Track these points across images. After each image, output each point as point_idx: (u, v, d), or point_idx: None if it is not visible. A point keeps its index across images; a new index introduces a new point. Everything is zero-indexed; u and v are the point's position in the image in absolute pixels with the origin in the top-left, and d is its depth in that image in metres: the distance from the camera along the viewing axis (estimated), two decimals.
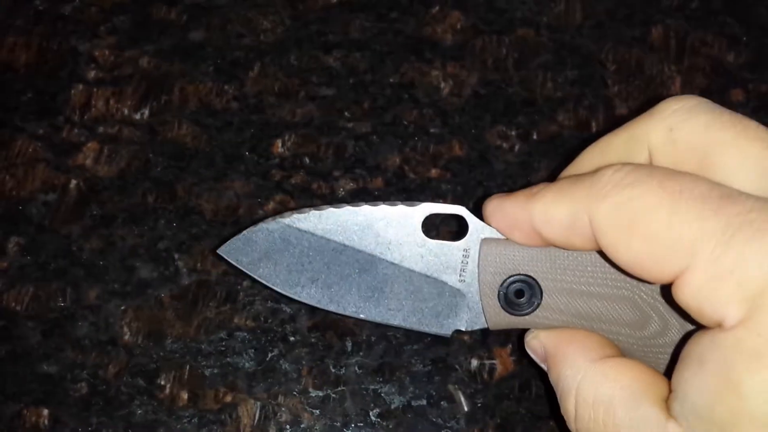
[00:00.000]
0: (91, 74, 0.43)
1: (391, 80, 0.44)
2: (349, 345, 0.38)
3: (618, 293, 0.29)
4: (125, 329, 0.38)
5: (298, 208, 0.39)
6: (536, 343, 0.30)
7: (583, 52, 0.45)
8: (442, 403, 0.38)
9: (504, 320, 0.31)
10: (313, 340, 0.38)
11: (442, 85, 0.44)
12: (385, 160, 0.42)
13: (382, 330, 0.38)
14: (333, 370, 0.38)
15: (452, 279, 0.31)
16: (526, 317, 0.30)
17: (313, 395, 0.38)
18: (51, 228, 0.40)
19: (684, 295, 0.23)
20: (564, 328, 0.30)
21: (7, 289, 0.39)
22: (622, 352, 0.29)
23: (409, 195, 0.41)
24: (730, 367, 0.22)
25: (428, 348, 0.38)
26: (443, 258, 0.31)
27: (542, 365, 0.31)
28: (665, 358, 0.29)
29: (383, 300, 0.32)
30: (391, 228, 0.32)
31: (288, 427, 0.37)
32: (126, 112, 0.43)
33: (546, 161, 0.42)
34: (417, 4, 0.46)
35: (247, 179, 0.41)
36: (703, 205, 0.23)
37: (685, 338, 0.25)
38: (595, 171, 0.26)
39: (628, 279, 0.28)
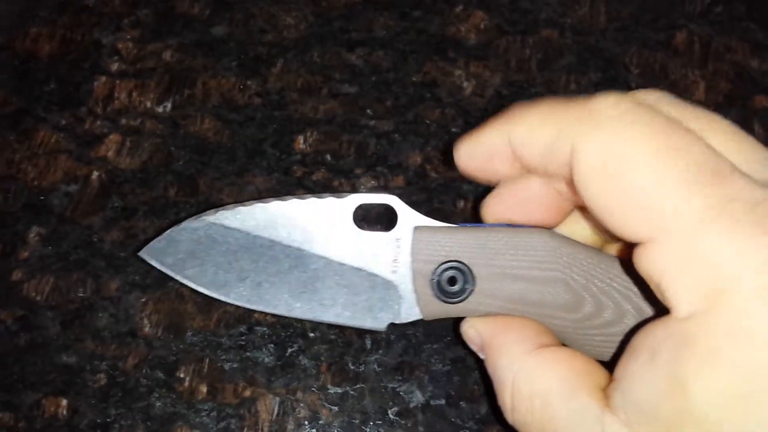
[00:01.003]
0: (114, 66, 0.43)
1: (414, 79, 0.44)
2: (368, 342, 0.38)
3: (551, 276, 0.28)
4: (145, 321, 0.38)
5: None
6: (473, 332, 0.29)
7: (606, 55, 0.45)
8: (461, 402, 0.38)
9: (438, 309, 0.30)
10: (332, 336, 0.38)
11: (465, 84, 0.44)
12: (406, 159, 0.42)
13: (402, 329, 0.38)
14: (352, 367, 0.38)
15: (385, 270, 0.30)
16: (460, 305, 0.29)
17: (332, 392, 0.37)
18: (72, 219, 0.40)
19: (646, 263, 0.22)
20: (500, 316, 0.29)
21: (28, 279, 0.39)
22: (558, 336, 0.28)
23: (430, 194, 0.41)
24: (680, 364, 0.21)
25: (448, 347, 0.38)
26: (375, 249, 0.30)
27: (480, 354, 0.30)
28: (601, 340, 0.28)
29: (315, 296, 0.31)
30: (321, 221, 0.30)
31: (306, 423, 0.37)
32: (148, 104, 0.42)
33: None
34: (441, 2, 0.46)
35: (269, 175, 0.41)
36: (695, 176, 0.21)
37: (636, 328, 0.24)
38: (592, 96, 0.23)
39: (560, 261, 0.28)
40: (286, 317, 0.33)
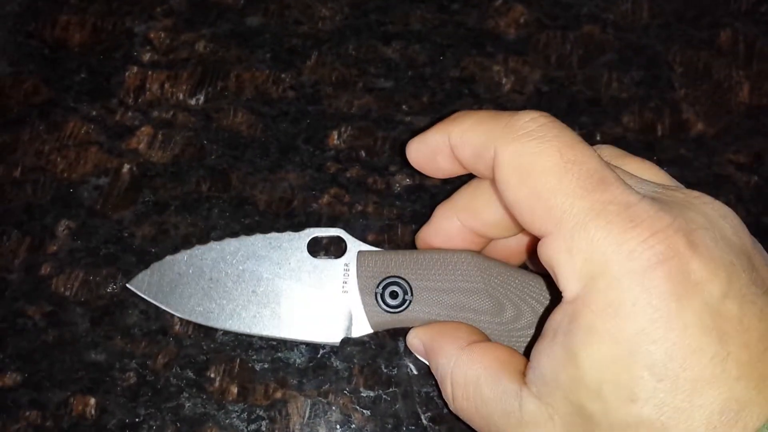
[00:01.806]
0: (146, 56, 0.42)
1: (451, 74, 0.43)
2: (401, 345, 0.37)
3: (476, 286, 0.34)
4: (175, 319, 0.37)
5: (352, 202, 0.39)
6: (416, 341, 0.34)
7: (649, 52, 0.44)
8: None
9: (384, 320, 0.35)
10: (365, 338, 0.37)
11: (504, 80, 0.43)
12: None
13: None
14: (385, 371, 0.37)
15: (336, 291, 0.35)
16: (403, 314, 0.34)
17: (364, 395, 0.37)
18: (102, 212, 0.39)
19: (543, 254, 0.27)
20: (437, 323, 0.34)
21: (57, 274, 0.38)
22: (488, 338, 0.33)
23: None
24: (570, 339, 0.25)
25: None
26: (327, 273, 0.35)
27: (424, 360, 0.34)
28: (524, 340, 0.33)
29: (276, 316, 0.35)
30: (282, 251, 0.36)
31: (338, 426, 0.36)
32: (181, 96, 0.42)
33: None
34: None
35: (302, 171, 0.40)
36: (584, 183, 0.25)
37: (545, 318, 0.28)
38: (516, 112, 0.28)
39: (482, 275, 0.33)
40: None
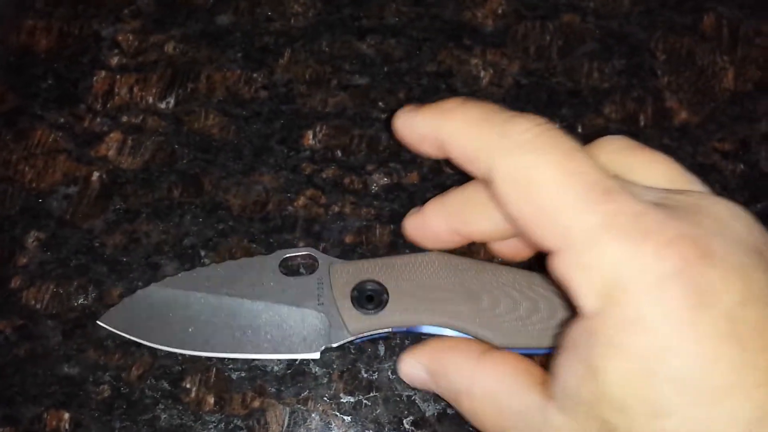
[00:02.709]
0: (114, 60, 0.41)
1: (428, 68, 0.42)
2: (381, 349, 0.37)
3: (450, 281, 0.34)
4: None
5: (329, 203, 0.38)
6: (414, 367, 0.32)
7: (631, 40, 0.43)
8: None
9: (363, 323, 0.34)
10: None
11: (482, 74, 0.42)
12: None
13: (417, 333, 0.36)
14: (365, 375, 0.36)
15: (312, 305, 0.35)
16: (381, 314, 0.34)
17: (345, 401, 0.36)
18: (72, 222, 0.38)
19: (555, 270, 0.26)
20: (432, 341, 0.32)
21: (27, 287, 0.37)
22: (466, 327, 0.33)
23: (445, 190, 0.39)
24: (591, 354, 0.25)
25: None
26: (302, 289, 0.35)
27: (424, 385, 0.32)
28: (506, 325, 0.33)
29: (254, 338, 0.35)
30: (254, 274, 0.36)
31: None
32: (150, 100, 0.41)
33: None
34: None
35: (277, 173, 0.39)
36: (588, 195, 0.25)
37: (565, 322, 0.28)
38: (511, 116, 0.27)
39: (453, 270, 0.34)
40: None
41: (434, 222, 0.33)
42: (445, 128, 0.29)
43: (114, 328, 0.35)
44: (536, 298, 0.34)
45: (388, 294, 0.34)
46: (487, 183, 0.27)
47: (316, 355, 0.35)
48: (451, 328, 0.34)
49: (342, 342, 0.35)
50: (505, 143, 0.26)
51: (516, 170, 0.26)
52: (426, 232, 0.34)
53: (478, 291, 0.34)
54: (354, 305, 0.34)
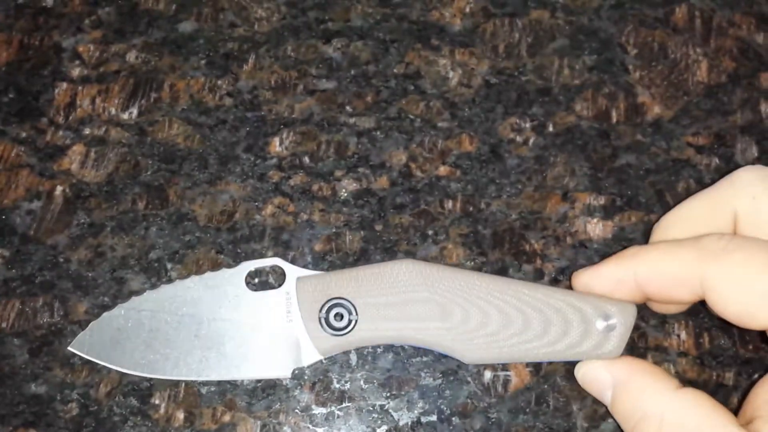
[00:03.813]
0: (76, 72, 0.41)
1: (396, 71, 0.41)
2: (353, 358, 0.36)
3: (419, 296, 0.33)
4: None
5: (297, 211, 0.37)
6: (600, 371, 0.33)
7: (601, 35, 0.42)
8: (453, 418, 0.36)
9: (332, 344, 0.34)
10: None
11: (451, 74, 0.41)
12: (390, 158, 0.39)
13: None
14: (337, 386, 0.36)
15: (280, 322, 0.34)
16: (349, 336, 0.34)
17: (317, 412, 0.35)
18: (36, 238, 0.38)
19: None
20: (628, 359, 0.33)
21: None
22: (435, 345, 0.34)
23: (416, 195, 0.39)
24: None
25: (438, 360, 0.36)
26: (269, 305, 0.34)
27: (600, 393, 0.33)
28: (476, 342, 0.33)
29: (222, 359, 0.34)
30: (219, 290, 0.35)
31: None
32: (113, 111, 0.40)
33: (563, 155, 0.40)
34: None
35: (244, 181, 0.39)
36: None
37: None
38: (698, 237, 0.31)
39: (424, 282, 0.33)
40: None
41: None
42: (641, 267, 0.32)
43: (84, 353, 0.35)
44: (509, 311, 0.33)
45: (356, 312, 0.34)
46: (700, 294, 0.31)
47: (287, 376, 0.35)
48: (421, 345, 0.34)
49: (312, 362, 0.35)
50: (708, 253, 0.30)
51: (729, 268, 0.29)
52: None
53: (449, 306, 0.33)
54: (322, 327, 0.34)
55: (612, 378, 0.32)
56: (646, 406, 0.31)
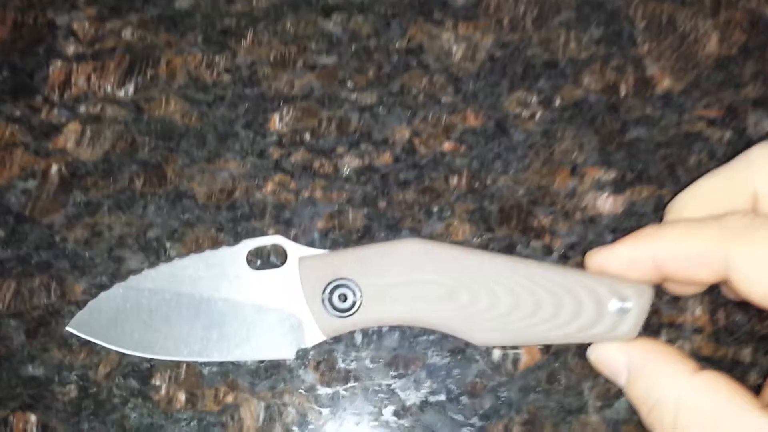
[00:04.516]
0: (71, 49, 0.40)
1: (398, 45, 0.40)
2: (358, 337, 0.36)
3: (426, 277, 0.32)
4: None
5: (298, 189, 0.36)
6: (614, 353, 0.31)
7: (608, 7, 0.41)
8: (462, 397, 0.35)
9: (336, 326, 0.33)
10: None
11: (454, 48, 0.40)
12: (393, 134, 0.38)
13: None
14: (342, 365, 0.35)
15: (282, 302, 0.33)
16: (354, 317, 0.32)
17: (322, 393, 0.35)
18: (32, 218, 0.37)
19: None
20: (646, 341, 0.31)
21: None
22: (443, 326, 0.32)
23: (420, 171, 0.38)
24: None
25: (445, 338, 0.35)
26: (270, 285, 0.33)
27: (613, 375, 0.32)
28: (486, 324, 0.32)
29: (223, 339, 0.33)
30: (220, 268, 0.34)
31: (295, 428, 0.34)
32: (109, 89, 0.39)
33: (571, 129, 0.39)
34: None
35: (243, 159, 0.38)
36: None
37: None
38: (721, 216, 0.29)
39: (430, 262, 0.32)
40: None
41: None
42: (660, 246, 0.30)
43: (83, 333, 0.34)
44: (519, 292, 0.32)
45: (361, 292, 0.32)
46: (722, 275, 0.29)
47: (291, 357, 0.33)
48: (428, 327, 0.33)
49: (316, 343, 0.33)
50: (732, 231, 0.29)
51: (754, 247, 0.28)
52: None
53: (457, 286, 0.32)
54: (326, 307, 0.33)
55: (627, 361, 0.31)
56: (662, 391, 0.30)
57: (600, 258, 0.32)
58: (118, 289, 0.34)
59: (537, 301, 0.32)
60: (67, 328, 0.34)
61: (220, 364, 0.35)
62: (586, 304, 0.32)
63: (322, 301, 0.33)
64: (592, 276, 0.32)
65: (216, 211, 0.37)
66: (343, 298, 0.33)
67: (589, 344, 0.32)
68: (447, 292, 0.32)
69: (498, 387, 0.35)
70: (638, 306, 0.31)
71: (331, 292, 0.33)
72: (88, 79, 0.39)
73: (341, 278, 0.33)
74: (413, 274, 0.32)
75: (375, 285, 0.32)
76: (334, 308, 0.33)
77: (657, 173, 0.38)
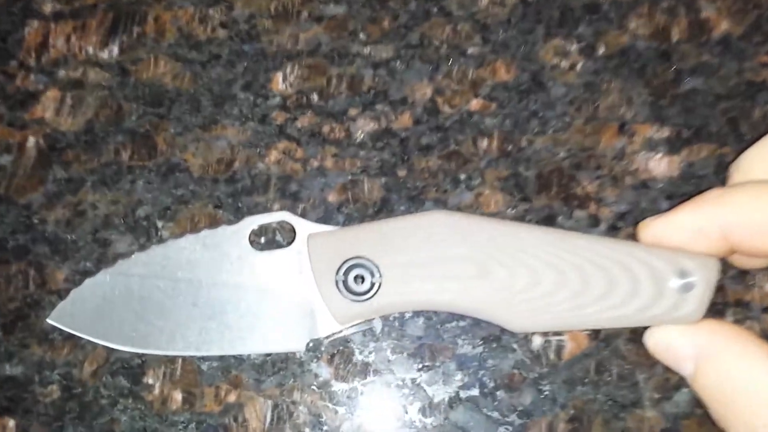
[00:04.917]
0: (48, 7, 0.37)
1: None
2: (378, 325, 0.33)
3: (456, 252, 0.29)
4: None
5: (306, 157, 0.33)
6: (678, 341, 0.28)
7: None
8: (498, 392, 0.32)
9: (352, 312, 0.30)
10: None
11: None
12: (412, 92, 0.35)
13: None
14: (360, 357, 0.32)
15: (291, 287, 0.31)
16: (373, 301, 0.29)
17: (337, 389, 0.32)
18: (7, 197, 0.34)
19: None
20: (714, 324, 0.28)
21: None
22: (474, 307, 0.29)
23: (445, 134, 0.34)
24: None
25: (477, 324, 0.33)
26: (277, 267, 0.31)
27: (677, 363, 0.28)
28: (525, 305, 0.29)
29: (224, 331, 0.31)
30: (220, 250, 0.31)
31: (307, 430, 0.32)
32: (91, 50, 0.36)
33: (618, 81, 0.35)
34: None
35: (243, 125, 0.35)
36: None
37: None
38: None
39: (461, 236, 0.29)
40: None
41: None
42: (730, 213, 0.27)
43: (65, 326, 0.31)
44: (564, 268, 0.28)
45: (380, 273, 0.29)
46: None
47: (301, 349, 0.31)
48: (458, 311, 0.30)
49: (330, 333, 0.30)
50: None
51: None
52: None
53: (491, 263, 0.29)
54: (340, 290, 0.29)
55: (694, 347, 0.28)
56: (737, 381, 0.27)
57: (656, 228, 0.29)
58: (104, 275, 0.31)
59: (584, 278, 0.28)
60: (48, 320, 0.31)
61: (221, 358, 0.32)
62: (642, 281, 0.28)
63: (336, 283, 0.30)
64: (649, 249, 0.29)
65: (213, 185, 0.34)
66: (360, 279, 0.30)
67: (645, 328, 0.29)
68: (479, 270, 0.29)
69: (539, 379, 0.32)
70: (703, 282, 0.28)
71: (346, 273, 0.30)
72: (68, 39, 0.36)
73: (357, 257, 0.29)
74: (440, 250, 0.29)
75: (396, 264, 0.29)
76: (350, 291, 0.30)
77: (717, 129, 0.35)
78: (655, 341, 0.29)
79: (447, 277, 0.29)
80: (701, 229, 0.28)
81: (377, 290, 0.29)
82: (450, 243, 0.29)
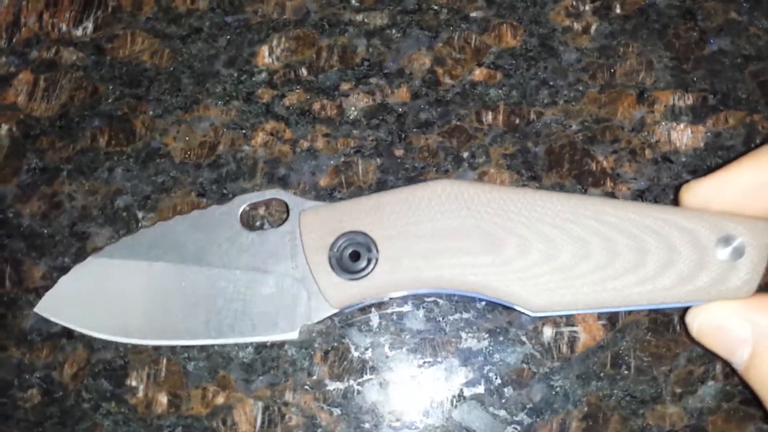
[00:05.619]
0: None
1: None
2: (374, 318, 0.30)
3: (462, 223, 0.27)
4: None
5: (295, 138, 0.30)
6: (731, 321, 0.25)
7: None
8: (506, 389, 0.30)
9: (348, 292, 0.27)
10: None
11: None
12: (410, 63, 0.33)
13: (419, 296, 0.30)
14: (356, 354, 0.30)
15: (284, 267, 0.28)
16: (369, 279, 0.27)
17: (332, 389, 0.30)
18: None
19: None
20: (760, 296, 0.25)
21: None
22: (484, 284, 0.27)
23: (446, 108, 0.31)
24: None
25: (482, 315, 0.30)
26: (269, 248, 0.29)
27: (729, 347, 0.25)
28: (539, 279, 0.26)
29: (214, 317, 0.28)
30: (209, 232, 0.29)
31: None
32: (64, 28, 0.34)
33: (636, 43, 0.32)
34: None
35: (226, 104, 0.32)
36: None
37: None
38: None
39: (466, 205, 0.27)
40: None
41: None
42: None
43: (54, 317, 0.29)
44: (586, 237, 0.26)
45: (377, 248, 0.27)
46: None
47: (294, 336, 0.28)
48: (465, 291, 0.27)
49: (324, 317, 0.28)
50: None
51: None
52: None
53: (501, 234, 0.26)
54: (334, 268, 0.27)
55: (751, 327, 0.25)
56: None
57: (704, 188, 0.26)
58: (91, 263, 0.29)
59: (611, 248, 0.26)
60: (35, 311, 0.30)
61: (207, 358, 0.30)
62: (681, 249, 0.25)
63: (329, 260, 0.27)
64: (689, 212, 0.25)
65: (196, 170, 0.32)
66: (356, 256, 0.27)
67: (673, 313, 0.27)
68: (488, 242, 0.26)
69: (550, 374, 0.30)
70: (757, 250, 0.25)
71: (341, 250, 0.27)
72: (40, 17, 0.34)
73: (352, 232, 0.27)
74: (444, 221, 0.27)
75: (395, 238, 0.27)
76: (344, 270, 0.27)
77: (746, 95, 0.33)
78: (701, 322, 0.26)
79: (452, 252, 0.27)
80: (756, 188, 0.25)
81: (374, 268, 0.27)
82: (455, 214, 0.27)
